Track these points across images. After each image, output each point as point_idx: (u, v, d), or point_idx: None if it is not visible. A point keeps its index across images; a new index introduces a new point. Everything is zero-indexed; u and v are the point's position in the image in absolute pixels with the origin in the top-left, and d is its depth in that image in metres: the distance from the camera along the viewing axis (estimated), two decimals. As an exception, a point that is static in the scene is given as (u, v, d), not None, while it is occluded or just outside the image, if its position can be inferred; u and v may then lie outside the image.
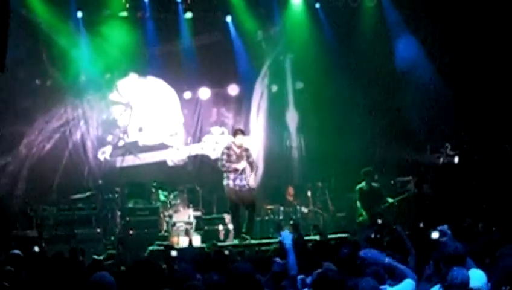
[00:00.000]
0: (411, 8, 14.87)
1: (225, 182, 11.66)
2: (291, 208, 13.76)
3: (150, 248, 11.56)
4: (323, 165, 14.95)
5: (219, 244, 10.82)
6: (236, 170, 11.58)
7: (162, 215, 13.20)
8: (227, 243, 12.11)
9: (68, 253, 8.69)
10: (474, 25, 13.87)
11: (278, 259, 6.43)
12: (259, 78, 16.06)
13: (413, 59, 14.96)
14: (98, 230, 13.07)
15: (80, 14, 14.38)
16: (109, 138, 15.24)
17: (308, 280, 5.97)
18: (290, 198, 14.12)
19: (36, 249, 8.91)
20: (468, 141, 14.18)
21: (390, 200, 13.22)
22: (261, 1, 15.49)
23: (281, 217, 13.43)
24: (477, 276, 5.55)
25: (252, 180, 11.72)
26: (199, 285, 5.43)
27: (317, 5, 15.57)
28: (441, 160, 14.14)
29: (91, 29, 14.54)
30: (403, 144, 14.89)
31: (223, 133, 15.89)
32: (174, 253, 7.87)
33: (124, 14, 14.73)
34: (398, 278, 5.79)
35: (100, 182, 14.22)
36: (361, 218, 12.95)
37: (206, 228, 13.14)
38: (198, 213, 13.45)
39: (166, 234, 12.78)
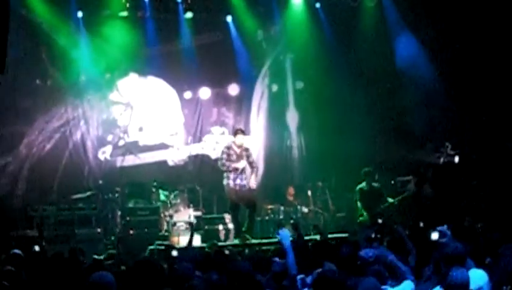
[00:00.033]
0: (411, 8, 14.85)
1: (225, 181, 11.64)
2: (292, 207, 13.75)
3: (151, 247, 11.54)
4: (323, 165, 14.97)
5: (219, 244, 10.81)
6: (236, 169, 11.56)
7: (162, 215, 13.20)
8: (228, 242, 12.11)
9: (68, 253, 8.69)
10: (475, 24, 13.85)
11: (277, 259, 6.44)
12: (259, 78, 16.08)
13: (414, 59, 14.93)
14: (98, 230, 13.07)
15: (80, 14, 14.38)
16: (109, 137, 15.24)
17: (308, 279, 5.97)
18: (291, 198, 14.10)
19: (37, 248, 8.90)
20: (469, 141, 14.17)
21: (390, 200, 13.22)
22: (261, 1, 15.49)
23: (281, 217, 13.41)
24: (477, 276, 5.56)
25: (252, 181, 11.65)
26: (199, 285, 5.43)
27: (318, 5, 15.60)
28: (441, 159, 14.11)
29: (91, 29, 14.52)
30: (403, 143, 14.86)
31: (223, 133, 15.90)
32: (174, 253, 7.87)
33: (124, 14, 14.74)
34: (398, 278, 5.80)
35: (100, 181, 14.21)
36: (361, 218, 12.94)
37: (206, 227, 13.14)
38: (199, 213, 13.46)
39: (166, 233, 12.77)
